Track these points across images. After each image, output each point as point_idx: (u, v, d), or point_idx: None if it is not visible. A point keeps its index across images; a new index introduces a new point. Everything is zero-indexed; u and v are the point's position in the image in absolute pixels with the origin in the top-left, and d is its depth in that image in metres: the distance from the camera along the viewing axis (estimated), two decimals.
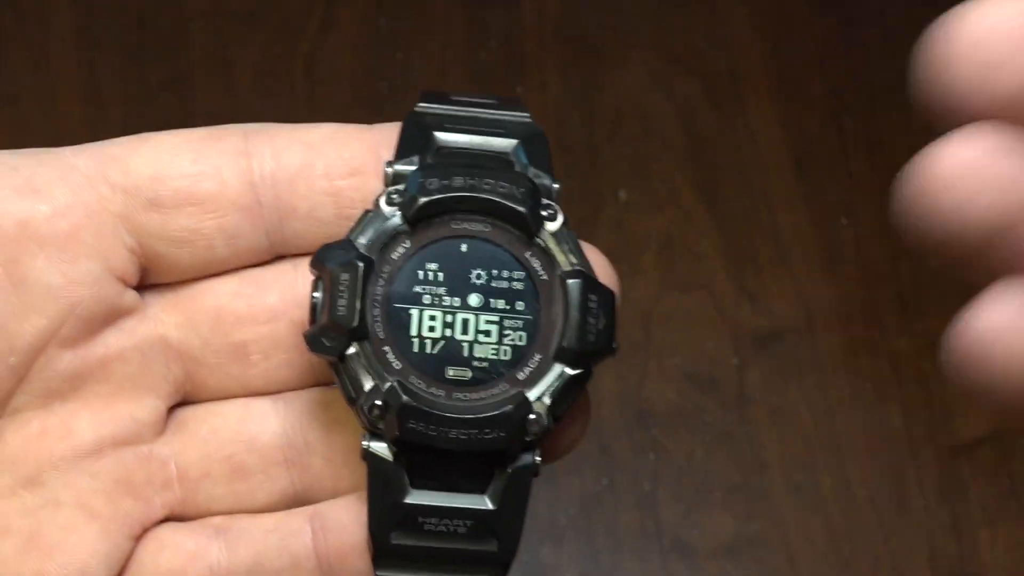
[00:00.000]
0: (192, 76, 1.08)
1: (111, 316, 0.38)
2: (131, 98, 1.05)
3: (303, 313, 0.38)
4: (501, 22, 1.10)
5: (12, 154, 0.38)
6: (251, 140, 0.38)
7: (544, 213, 0.37)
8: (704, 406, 1.01)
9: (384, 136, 0.39)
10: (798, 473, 1.01)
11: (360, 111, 1.07)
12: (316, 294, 0.37)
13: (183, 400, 0.40)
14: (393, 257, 0.37)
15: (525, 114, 0.39)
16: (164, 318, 0.39)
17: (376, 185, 0.38)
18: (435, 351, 0.37)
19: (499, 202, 0.37)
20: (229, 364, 0.40)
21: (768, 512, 0.99)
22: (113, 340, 0.39)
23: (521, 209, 0.37)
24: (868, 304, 1.06)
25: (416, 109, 0.39)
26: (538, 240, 0.37)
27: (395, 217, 0.37)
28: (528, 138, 0.38)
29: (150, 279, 0.39)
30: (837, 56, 1.11)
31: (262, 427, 0.40)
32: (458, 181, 0.37)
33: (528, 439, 0.36)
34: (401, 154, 0.38)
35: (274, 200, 0.38)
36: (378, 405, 0.36)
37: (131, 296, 0.39)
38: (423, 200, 0.36)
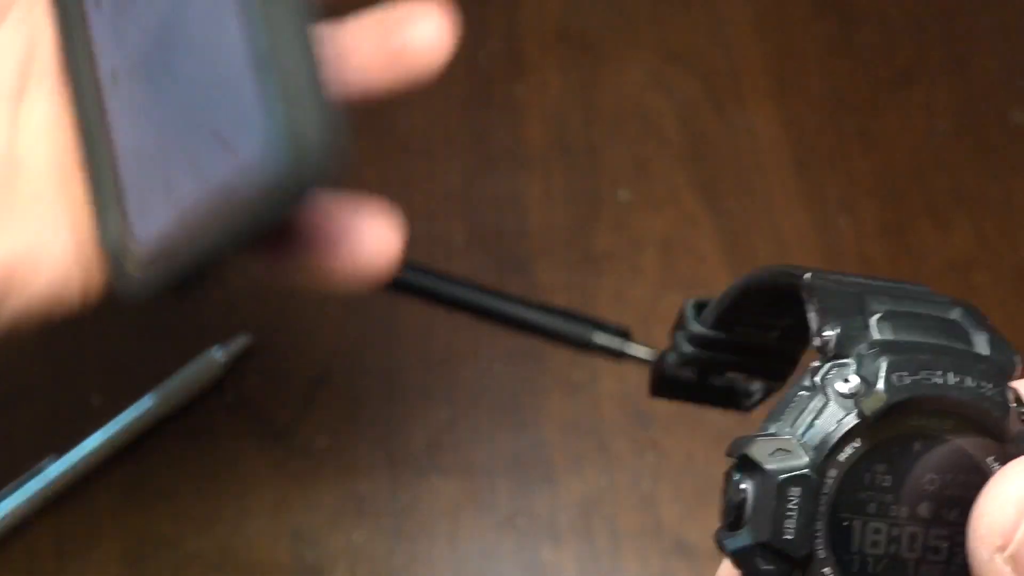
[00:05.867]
0: None
1: None
2: None
3: None
4: (501, 22, 1.10)
5: None
6: None
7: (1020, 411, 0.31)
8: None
9: None
10: None
11: (360, 111, 1.07)
12: (743, 486, 0.31)
13: None
14: (840, 459, 0.31)
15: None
16: None
17: None
18: (876, 570, 0.31)
19: (975, 405, 0.31)
20: None
21: None
22: None
23: (996, 414, 0.31)
24: None
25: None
26: (1007, 445, 0.31)
27: (850, 413, 0.31)
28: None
29: None
30: (837, 56, 1.11)
31: None
32: (926, 376, 0.31)
33: None
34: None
35: None
36: None
37: None
38: (894, 400, 0.30)
